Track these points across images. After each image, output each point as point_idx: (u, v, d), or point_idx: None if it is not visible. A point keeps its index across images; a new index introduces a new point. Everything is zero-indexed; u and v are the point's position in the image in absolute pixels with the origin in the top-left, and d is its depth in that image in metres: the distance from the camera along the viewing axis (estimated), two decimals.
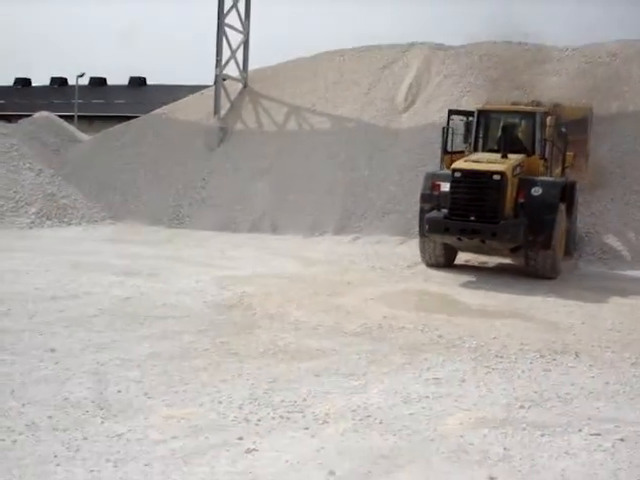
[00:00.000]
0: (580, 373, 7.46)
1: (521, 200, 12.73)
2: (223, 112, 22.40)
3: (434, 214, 13.04)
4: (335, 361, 7.53)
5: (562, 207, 13.26)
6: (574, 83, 20.45)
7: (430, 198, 13.50)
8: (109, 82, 42.51)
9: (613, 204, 16.68)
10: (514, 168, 12.81)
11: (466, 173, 12.64)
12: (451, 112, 14.95)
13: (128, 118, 25.43)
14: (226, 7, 22.35)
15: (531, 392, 6.77)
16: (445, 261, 13.97)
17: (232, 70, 23.32)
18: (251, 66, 24.09)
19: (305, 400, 6.33)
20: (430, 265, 14.00)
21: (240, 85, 23.63)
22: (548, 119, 13.69)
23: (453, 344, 8.38)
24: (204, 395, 6.37)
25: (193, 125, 22.30)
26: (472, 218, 12.40)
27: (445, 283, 12.50)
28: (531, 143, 13.88)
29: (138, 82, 41.36)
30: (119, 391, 6.42)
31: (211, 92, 22.76)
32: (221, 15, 22.20)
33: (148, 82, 41.72)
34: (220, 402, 6.22)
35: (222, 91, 22.44)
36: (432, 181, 13.54)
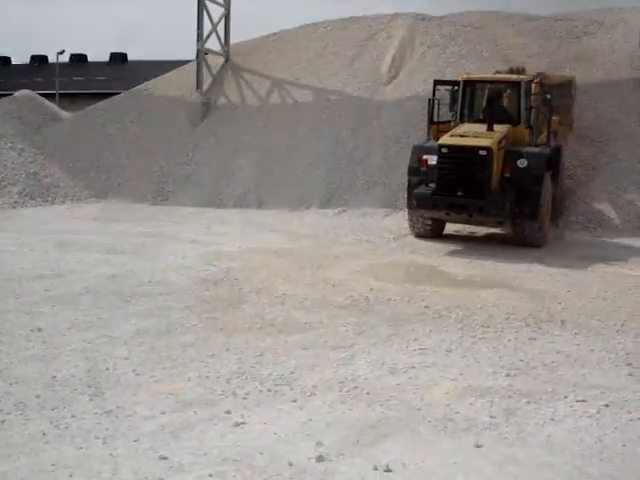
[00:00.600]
0: (565, 341, 7.51)
1: (507, 173, 12.85)
2: (205, 87, 22.23)
3: (422, 190, 13.11)
4: (322, 334, 7.56)
5: (548, 176, 13.35)
6: (559, 52, 20.45)
7: (417, 172, 13.58)
8: (90, 59, 42.06)
9: (598, 172, 16.73)
10: (500, 141, 12.86)
11: (453, 149, 12.69)
12: (436, 82, 14.93)
13: (110, 95, 25.15)
14: None
15: (517, 361, 6.82)
16: (434, 232, 14.06)
17: (214, 44, 23.13)
18: (233, 40, 23.91)
19: (293, 373, 6.36)
20: (419, 236, 14.09)
21: (222, 59, 23.44)
22: (533, 87, 13.71)
23: (439, 315, 8.42)
24: (192, 370, 6.39)
25: (175, 100, 22.12)
26: (459, 193, 12.52)
27: (432, 254, 12.55)
28: (517, 112, 13.87)
29: (119, 58, 40.92)
30: (107, 369, 6.43)
31: (193, 67, 22.54)
32: None
33: (129, 58, 41.30)
34: (208, 377, 6.24)
35: (204, 66, 22.24)
36: (419, 155, 13.56)
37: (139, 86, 24.01)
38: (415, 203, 13.11)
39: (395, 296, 9.25)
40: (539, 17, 22.30)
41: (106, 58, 41.02)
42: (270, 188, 18.39)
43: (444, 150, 12.76)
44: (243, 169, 19.17)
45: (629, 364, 6.78)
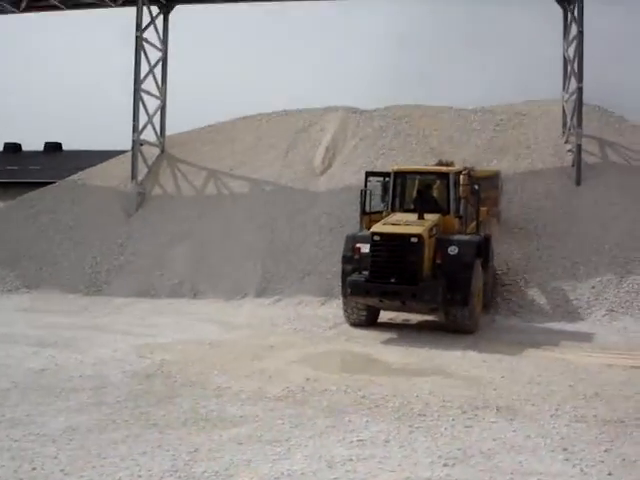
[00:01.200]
0: (502, 428, 7.55)
1: (438, 260, 13.07)
2: (141, 177, 22.26)
3: (355, 277, 13.24)
4: (258, 427, 7.42)
5: (478, 263, 13.64)
6: (486, 143, 21.26)
7: (351, 260, 13.74)
8: (24, 148, 41.67)
9: (528, 259, 17.19)
10: (430, 229, 13.15)
11: (385, 236, 12.92)
12: (368, 174, 15.37)
13: (44, 184, 24.91)
14: (142, 72, 22.40)
15: (454, 449, 6.80)
16: (368, 320, 14.08)
17: (150, 135, 23.28)
18: (169, 131, 24.13)
19: (227, 469, 6.19)
20: (354, 324, 14.12)
21: (158, 150, 23.59)
22: (461, 178, 14.12)
23: (376, 404, 8.38)
24: (123, 469, 6.17)
25: (110, 190, 22.07)
26: (392, 280, 12.66)
27: (367, 342, 12.55)
28: (446, 202, 14.25)
29: (54, 147, 40.66)
30: (34, 469, 6.16)
31: (128, 157, 22.59)
32: (137, 80, 22.22)
33: (64, 147, 41.05)
34: (140, 476, 6.03)
35: (139, 156, 22.31)
36: (352, 243, 13.74)
37: (73, 176, 23.91)
38: (349, 291, 13.16)
39: (332, 386, 9.19)
40: (465, 109, 23.22)
41: (41, 147, 40.71)
42: (205, 278, 18.27)
43: (376, 238, 12.94)
44: (178, 259, 19.06)
45: (564, 449, 6.83)
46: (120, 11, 23.87)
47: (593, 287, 16.07)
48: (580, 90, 19.53)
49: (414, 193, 14.81)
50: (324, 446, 6.86)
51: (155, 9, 23.08)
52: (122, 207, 21.33)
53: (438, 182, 14.66)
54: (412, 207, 14.43)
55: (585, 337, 13.55)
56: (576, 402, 8.63)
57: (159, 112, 23.61)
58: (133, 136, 22.13)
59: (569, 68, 20.64)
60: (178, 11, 23.71)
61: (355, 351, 11.81)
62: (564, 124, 21.10)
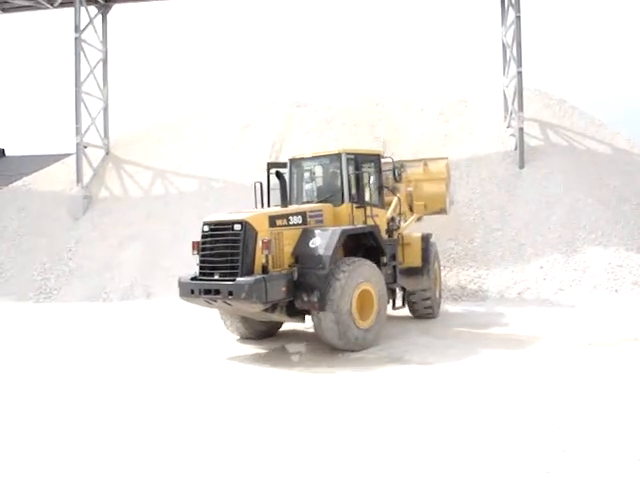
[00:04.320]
0: None
1: (295, 254, 11.11)
2: (86, 180, 22.00)
3: (184, 275, 11.42)
4: None
5: (349, 261, 11.11)
6: (430, 131, 21.49)
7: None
8: None
9: (473, 244, 17.47)
10: (273, 218, 11.01)
11: (212, 226, 11.05)
12: (270, 165, 13.18)
13: None
14: (83, 74, 22.11)
15: None
16: (254, 331, 12.39)
17: (93, 137, 23.00)
18: (113, 132, 23.90)
19: None
20: (243, 337, 12.46)
21: (103, 152, 23.33)
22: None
23: None
24: None
25: (56, 195, 21.78)
26: (215, 277, 10.77)
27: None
28: (340, 188, 12.15)
29: None
30: None
31: (73, 160, 22.30)
32: (78, 83, 21.93)
33: (7, 153, 40.37)
34: None
35: (84, 159, 22.04)
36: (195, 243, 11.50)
37: (17, 182, 23.54)
38: (179, 291, 11.25)
39: None
40: (410, 98, 23.40)
41: None
42: (157, 279, 18.16)
43: (205, 228, 11.12)
44: (128, 261, 18.91)
45: None
46: (59, 12, 23.58)
47: (541, 267, 16.42)
48: (520, 75, 19.84)
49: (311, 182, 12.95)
50: None
51: (93, 10, 22.81)
52: (68, 211, 21.08)
53: (332, 167, 12.48)
54: (309, 199, 12.59)
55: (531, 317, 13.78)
56: None
57: (102, 113, 23.35)
58: (76, 139, 21.83)
59: (508, 53, 20.96)
60: (117, 10, 23.48)
61: None
62: (506, 109, 21.42)
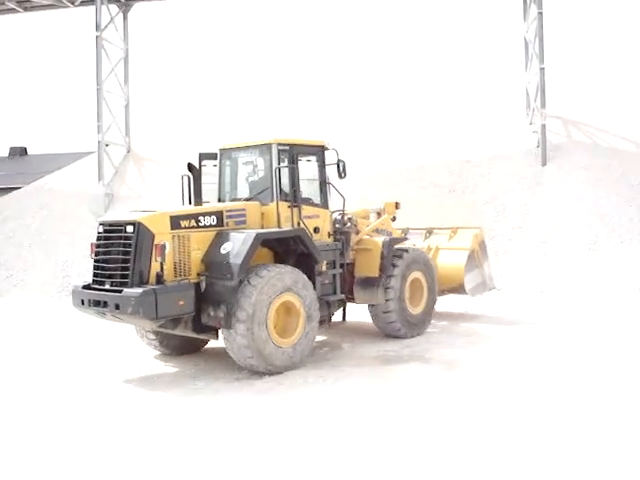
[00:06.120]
0: None
1: (206, 261, 9.69)
2: (108, 178, 22.11)
3: (77, 283, 10.30)
4: None
5: (266, 269, 9.63)
6: (453, 129, 21.39)
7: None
8: None
9: (494, 243, 17.36)
10: (176, 218, 9.53)
11: (107, 227, 9.78)
12: (202, 156, 11.36)
13: (10, 190, 24.70)
14: (104, 73, 22.21)
15: None
16: (168, 345, 11.02)
17: (115, 136, 23.10)
18: (134, 130, 23.96)
19: None
20: (166, 353, 11.15)
21: (124, 150, 23.44)
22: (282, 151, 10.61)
23: None
24: None
25: (77, 193, 21.90)
26: (107, 285, 9.45)
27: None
28: (269, 184, 10.50)
29: (19, 152, 40.24)
30: None
31: (94, 158, 22.42)
32: (99, 81, 22.04)
33: (29, 152, 40.67)
34: None
35: (105, 157, 22.15)
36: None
37: (39, 180, 23.71)
38: (72, 300, 10.05)
39: None
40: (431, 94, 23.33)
41: (5, 152, 40.29)
42: None
43: (100, 229, 9.88)
44: None
45: None
46: (80, 11, 23.70)
47: (564, 265, 16.28)
48: (542, 71, 19.68)
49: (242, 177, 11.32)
50: None
51: (114, 8, 22.91)
52: (90, 209, 21.17)
53: (262, 159, 10.80)
54: (250, 195, 10.84)
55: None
56: None
57: (123, 111, 23.46)
58: (98, 137, 21.95)
59: (530, 49, 20.78)
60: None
61: None
62: (528, 105, 21.26)
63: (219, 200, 11.06)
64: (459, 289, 13.34)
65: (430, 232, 13.93)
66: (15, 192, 23.41)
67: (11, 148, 40.89)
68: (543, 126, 19.47)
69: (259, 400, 8.34)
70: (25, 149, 41.02)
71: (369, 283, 11.65)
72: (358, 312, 12.45)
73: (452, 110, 22.41)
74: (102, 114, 22.04)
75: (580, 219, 17.34)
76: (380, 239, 12.01)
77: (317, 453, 6.47)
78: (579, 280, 15.82)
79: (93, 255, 9.83)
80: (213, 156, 11.33)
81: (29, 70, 63.39)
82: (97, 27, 22.02)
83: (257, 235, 9.61)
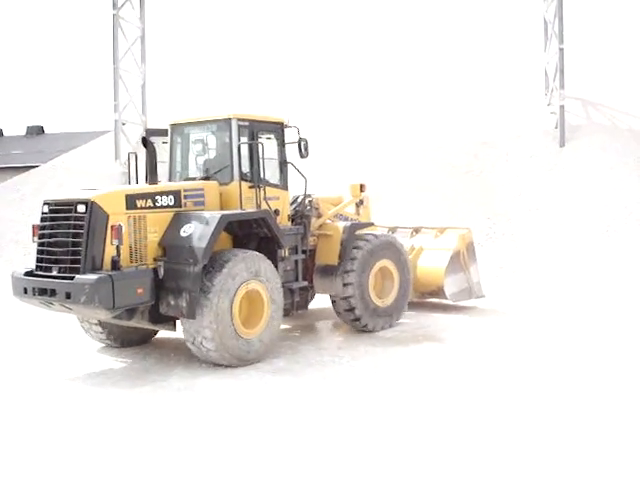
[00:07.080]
0: None
1: (165, 244, 8.88)
2: (124, 157, 22.14)
3: (19, 270, 9.17)
4: None
5: (231, 254, 8.98)
6: (471, 109, 21.27)
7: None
8: (5, 133, 41.45)
9: (510, 225, 17.28)
10: (132, 197, 8.70)
11: (53, 206, 8.86)
12: (149, 132, 10.52)
13: (28, 168, 24.85)
14: (121, 51, 22.21)
15: None
16: (117, 339, 10.16)
17: (132, 114, 23.13)
18: (151, 109, 23.96)
19: None
20: (107, 345, 10.26)
21: (141, 129, 23.46)
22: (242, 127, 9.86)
23: None
24: None
25: (94, 172, 21.97)
26: (54, 272, 8.52)
27: None
28: (229, 163, 9.76)
29: (36, 131, 40.41)
30: None
31: (111, 138, 22.47)
32: (116, 60, 22.05)
33: (46, 130, 40.84)
34: None
35: (122, 136, 22.19)
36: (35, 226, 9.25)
37: (57, 158, 23.80)
38: (12, 289, 9.12)
39: None
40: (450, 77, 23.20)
41: (23, 131, 40.48)
42: None
43: (45, 209, 8.94)
44: None
45: None
46: None
47: (581, 247, 16.19)
48: (562, 51, 19.48)
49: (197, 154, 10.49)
50: None
51: None
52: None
53: (220, 135, 10.06)
54: (206, 174, 9.99)
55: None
56: None
57: (140, 90, 23.47)
58: (115, 116, 22.01)
59: (549, 29, 20.57)
60: None
61: None
62: (546, 86, 21.08)
63: (170, 180, 10.30)
64: (439, 293, 12.20)
65: (417, 231, 12.98)
66: (32, 170, 23.52)
67: (28, 127, 41.09)
68: (562, 107, 19.31)
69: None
70: (42, 128, 41.21)
71: (328, 271, 10.80)
72: None
73: (469, 91, 22.28)
74: (119, 93, 22.10)
75: (597, 201, 17.22)
76: (341, 224, 11.16)
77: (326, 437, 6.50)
78: (595, 263, 15.72)
79: (36, 238, 8.90)
80: (162, 132, 10.48)
81: (46, 49, 63.52)
82: (114, 5, 22.01)
83: (222, 217, 8.84)
